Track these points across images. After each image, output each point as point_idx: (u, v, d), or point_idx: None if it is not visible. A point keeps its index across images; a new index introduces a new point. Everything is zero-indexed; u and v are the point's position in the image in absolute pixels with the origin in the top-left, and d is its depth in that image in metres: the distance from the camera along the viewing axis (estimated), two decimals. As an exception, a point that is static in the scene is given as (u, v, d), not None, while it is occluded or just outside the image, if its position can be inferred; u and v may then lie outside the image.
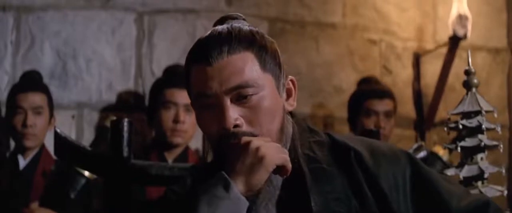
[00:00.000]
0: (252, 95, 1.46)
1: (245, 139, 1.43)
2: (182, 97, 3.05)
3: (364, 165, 1.50)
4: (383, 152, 1.54)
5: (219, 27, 1.52)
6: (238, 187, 1.39)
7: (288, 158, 1.43)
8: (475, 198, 1.55)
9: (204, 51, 1.47)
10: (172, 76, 3.14)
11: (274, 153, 1.42)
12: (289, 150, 1.50)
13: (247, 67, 1.46)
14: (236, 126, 1.45)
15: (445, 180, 1.57)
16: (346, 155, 1.52)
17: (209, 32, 1.52)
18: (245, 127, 1.45)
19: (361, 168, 1.50)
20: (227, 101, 1.45)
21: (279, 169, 1.42)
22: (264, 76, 1.48)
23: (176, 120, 3.04)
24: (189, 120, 3.05)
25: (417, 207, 1.50)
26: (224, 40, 1.47)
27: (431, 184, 1.52)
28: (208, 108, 1.47)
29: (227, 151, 1.45)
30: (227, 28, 1.50)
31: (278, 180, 1.48)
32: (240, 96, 1.46)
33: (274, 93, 1.50)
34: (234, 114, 1.45)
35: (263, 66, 1.48)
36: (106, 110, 3.35)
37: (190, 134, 3.10)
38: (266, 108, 1.47)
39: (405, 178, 1.51)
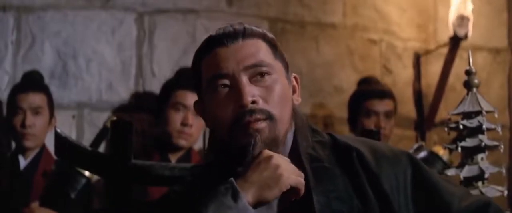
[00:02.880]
0: (267, 74, 1.49)
1: (267, 152, 1.43)
2: (192, 99, 3.03)
3: (366, 165, 1.51)
4: (385, 153, 1.54)
5: (230, 24, 1.56)
6: (247, 197, 1.39)
7: (303, 182, 1.44)
8: (476, 198, 1.56)
9: (218, 38, 1.51)
10: (185, 78, 3.13)
11: (292, 174, 1.42)
12: (292, 147, 1.51)
13: (261, 50, 1.51)
14: (253, 102, 1.46)
15: (445, 181, 1.57)
16: (348, 155, 1.52)
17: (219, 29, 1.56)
18: (261, 104, 1.47)
19: (363, 168, 1.50)
20: (244, 79, 1.48)
21: (292, 190, 1.43)
22: (276, 63, 1.52)
23: (184, 123, 3.04)
24: (196, 124, 3.05)
25: (418, 207, 1.50)
26: (237, 29, 1.52)
27: (432, 185, 1.52)
28: (223, 90, 1.49)
29: (240, 136, 1.46)
30: (238, 23, 1.54)
31: None
32: (256, 74, 1.49)
33: (285, 81, 1.53)
34: (251, 91, 1.46)
35: (275, 55, 1.53)
36: (106, 110, 3.35)
37: (195, 138, 3.10)
38: (280, 92, 1.50)
39: (406, 179, 1.51)
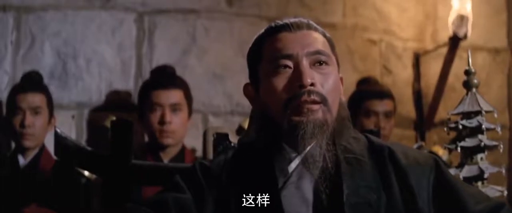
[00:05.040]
0: (326, 64, 1.60)
1: None
2: (167, 97, 3.05)
3: (396, 162, 1.59)
4: (414, 154, 1.63)
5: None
6: None
7: None
8: (492, 200, 1.63)
9: (285, 24, 1.62)
10: (158, 78, 3.13)
11: None
12: (328, 140, 1.58)
13: (323, 42, 1.63)
14: (311, 85, 1.55)
15: (465, 184, 1.66)
16: (380, 152, 1.61)
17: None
18: (318, 88, 1.55)
19: (393, 165, 1.59)
20: (306, 62, 1.57)
21: None
22: (333, 58, 1.64)
23: (162, 122, 3.04)
24: (176, 120, 3.05)
25: (438, 206, 1.57)
26: (302, 21, 1.63)
27: (451, 185, 1.60)
28: (284, 71, 1.57)
29: (294, 114, 1.53)
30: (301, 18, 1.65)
31: (317, 165, 1.55)
32: (316, 62, 1.59)
33: (338, 76, 1.65)
34: (311, 74, 1.56)
35: (332, 51, 1.65)
36: (106, 110, 3.35)
37: (180, 134, 3.10)
38: (333, 83, 1.61)
39: (429, 180, 1.59)
